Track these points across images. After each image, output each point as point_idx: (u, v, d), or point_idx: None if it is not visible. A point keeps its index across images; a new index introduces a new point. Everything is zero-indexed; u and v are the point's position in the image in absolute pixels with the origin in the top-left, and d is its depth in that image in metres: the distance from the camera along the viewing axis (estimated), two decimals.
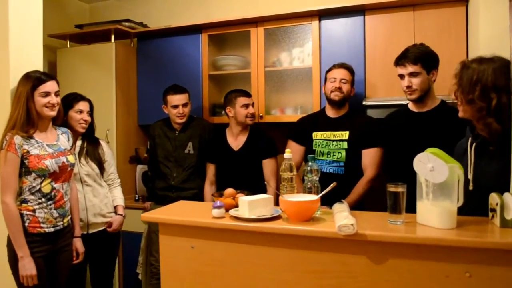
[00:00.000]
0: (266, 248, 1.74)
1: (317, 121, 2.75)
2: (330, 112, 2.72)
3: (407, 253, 1.54)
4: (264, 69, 3.35)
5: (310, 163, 1.89)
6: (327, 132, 2.66)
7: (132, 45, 3.87)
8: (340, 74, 2.65)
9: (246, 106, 2.94)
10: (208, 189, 3.05)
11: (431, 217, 1.59)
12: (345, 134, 2.61)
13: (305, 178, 1.89)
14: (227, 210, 1.88)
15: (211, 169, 3.08)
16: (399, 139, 2.42)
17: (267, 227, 1.72)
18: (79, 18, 4.21)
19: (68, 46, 3.84)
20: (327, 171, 2.62)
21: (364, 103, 2.94)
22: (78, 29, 3.80)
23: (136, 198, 3.72)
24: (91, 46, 3.83)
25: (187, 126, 3.16)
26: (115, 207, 2.78)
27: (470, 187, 1.72)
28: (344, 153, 2.60)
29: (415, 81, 2.30)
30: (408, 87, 2.32)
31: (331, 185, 1.79)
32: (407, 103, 2.49)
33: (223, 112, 3.13)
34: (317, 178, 1.87)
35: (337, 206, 1.81)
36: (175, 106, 3.05)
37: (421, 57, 2.30)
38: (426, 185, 1.62)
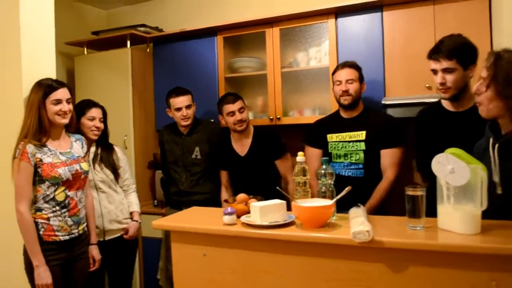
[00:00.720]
0: (279, 256, 1.68)
1: (331, 123, 2.67)
2: (344, 113, 2.63)
3: (428, 260, 1.45)
4: (281, 70, 3.30)
5: (324, 166, 1.81)
6: (342, 134, 2.57)
7: (148, 50, 3.87)
8: (345, 75, 2.55)
9: (232, 113, 2.82)
10: (224, 194, 2.99)
11: (453, 221, 1.50)
12: (362, 134, 2.52)
13: (319, 182, 1.81)
14: (239, 216, 1.83)
15: (224, 175, 3.02)
16: (434, 139, 2.17)
17: (280, 234, 1.66)
18: (97, 25, 4.24)
19: (85, 53, 3.87)
20: (345, 175, 2.54)
21: (383, 102, 2.83)
22: (94, 36, 3.82)
23: (155, 203, 3.71)
24: (108, 52, 3.84)
25: (193, 130, 3.10)
26: (131, 213, 2.76)
27: (499, 191, 1.59)
28: (362, 155, 2.51)
29: (450, 78, 2.03)
30: (441, 84, 2.05)
31: (346, 189, 1.71)
32: (438, 100, 2.26)
33: None
34: (332, 182, 1.80)
35: (353, 211, 1.73)
36: (179, 109, 3.00)
37: (457, 51, 2.02)
38: (447, 188, 1.53)
